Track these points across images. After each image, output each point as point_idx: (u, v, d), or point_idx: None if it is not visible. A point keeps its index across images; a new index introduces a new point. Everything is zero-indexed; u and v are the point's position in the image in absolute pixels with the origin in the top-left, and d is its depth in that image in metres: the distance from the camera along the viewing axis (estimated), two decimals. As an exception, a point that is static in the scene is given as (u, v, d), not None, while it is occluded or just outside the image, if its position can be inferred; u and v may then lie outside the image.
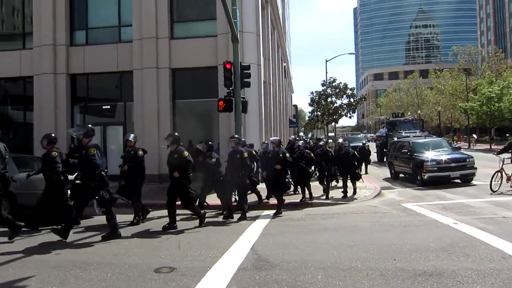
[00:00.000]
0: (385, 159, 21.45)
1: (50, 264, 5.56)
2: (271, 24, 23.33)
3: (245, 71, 12.71)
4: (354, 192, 12.30)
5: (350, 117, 28.81)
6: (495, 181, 11.99)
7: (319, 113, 28.38)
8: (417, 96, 67.19)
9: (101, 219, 8.70)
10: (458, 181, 14.42)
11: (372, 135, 61.41)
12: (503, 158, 12.34)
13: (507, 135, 42.41)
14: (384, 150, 17.40)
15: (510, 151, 12.38)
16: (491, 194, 11.53)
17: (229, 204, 9.31)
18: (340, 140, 17.00)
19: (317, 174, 13.13)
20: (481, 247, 5.98)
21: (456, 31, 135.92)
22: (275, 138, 11.90)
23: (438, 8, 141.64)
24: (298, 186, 12.14)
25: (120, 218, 8.76)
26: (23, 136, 17.66)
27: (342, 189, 12.22)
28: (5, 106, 18.18)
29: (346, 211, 9.91)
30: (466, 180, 14.40)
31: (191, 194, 8.01)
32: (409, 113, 49.59)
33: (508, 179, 11.98)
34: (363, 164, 17.17)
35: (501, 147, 14.21)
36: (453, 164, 14.25)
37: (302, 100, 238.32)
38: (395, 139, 23.02)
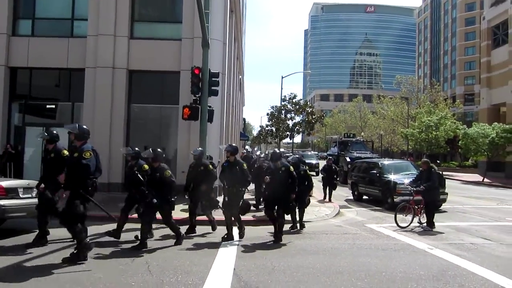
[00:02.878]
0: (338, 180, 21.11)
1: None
2: (234, 35, 22.91)
3: (213, 79, 12.01)
4: (301, 225, 9.72)
5: (308, 134, 28.81)
6: (404, 215, 10.13)
7: (273, 128, 28.23)
8: (360, 119, 70.31)
9: (61, 233, 7.55)
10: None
11: (321, 153, 62.92)
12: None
13: (438, 161, 45.36)
14: (333, 167, 16.65)
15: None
16: (396, 231, 9.61)
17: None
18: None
19: None
20: (471, 277, 5.80)
21: (396, 62, 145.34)
22: (275, 150, 11.09)
23: (381, 39, 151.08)
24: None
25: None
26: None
27: (291, 219, 9.56)
28: None
29: (315, 230, 9.57)
30: (437, 206, 12.88)
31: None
32: (362, 133, 51.40)
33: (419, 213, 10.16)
34: (327, 188, 15.44)
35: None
36: None
37: (247, 113, 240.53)
38: (347, 158, 23.47)
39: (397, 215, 10.13)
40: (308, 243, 8.05)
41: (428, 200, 10.02)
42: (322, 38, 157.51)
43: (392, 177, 14.33)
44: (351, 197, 16.86)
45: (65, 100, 15.38)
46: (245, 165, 8.33)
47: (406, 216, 10.09)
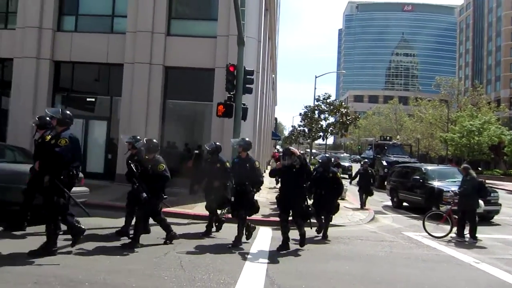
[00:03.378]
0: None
1: (33, 279, 4.53)
2: (268, 33, 22.79)
3: (248, 77, 11.95)
4: (323, 231, 8.67)
5: (341, 135, 28.27)
6: (436, 223, 9.80)
7: (305, 129, 27.84)
8: (396, 122, 68.39)
9: (97, 222, 7.71)
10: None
11: (354, 156, 61.60)
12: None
13: (479, 168, 43.47)
14: (369, 171, 15.68)
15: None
16: (437, 241, 9.11)
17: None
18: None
19: None
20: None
21: (435, 63, 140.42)
22: (323, 156, 10.08)
23: (419, 39, 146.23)
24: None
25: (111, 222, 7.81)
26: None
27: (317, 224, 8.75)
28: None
29: (349, 235, 9.25)
30: (488, 218, 12.32)
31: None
32: (398, 137, 49.92)
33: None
34: (363, 194, 14.22)
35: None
36: None
37: (279, 113, 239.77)
38: (384, 162, 22.65)
39: (426, 223, 9.70)
40: (343, 248, 7.80)
41: (462, 209, 9.38)
42: (356, 37, 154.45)
43: (438, 184, 13.41)
44: (389, 203, 16.10)
45: (104, 94, 15.78)
46: (257, 163, 7.60)
47: (438, 225, 9.65)
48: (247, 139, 7.90)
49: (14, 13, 15.74)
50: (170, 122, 15.32)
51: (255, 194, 7.59)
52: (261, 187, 8.12)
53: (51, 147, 5.58)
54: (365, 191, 14.35)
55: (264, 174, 9.83)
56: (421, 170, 15.03)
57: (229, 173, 7.93)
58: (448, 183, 13.31)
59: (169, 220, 8.53)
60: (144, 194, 6.46)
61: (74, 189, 8.32)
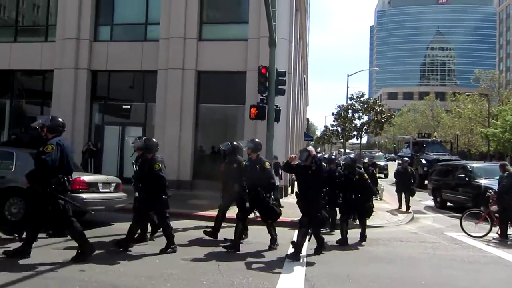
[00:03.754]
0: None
1: (74, 284, 4.68)
2: (299, 33, 22.64)
3: (280, 78, 11.88)
4: (362, 238, 8.12)
5: (376, 134, 27.70)
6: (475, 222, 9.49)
7: (338, 128, 27.40)
8: (433, 118, 66.13)
9: (123, 227, 7.85)
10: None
11: (388, 154, 59.97)
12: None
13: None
14: (409, 170, 14.84)
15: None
16: (483, 241, 8.72)
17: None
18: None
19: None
20: None
21: (473, 56, 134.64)
22: (347, 157, 10.08)
23: (456, 32, 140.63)
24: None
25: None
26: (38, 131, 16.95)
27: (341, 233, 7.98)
28: (21, 99, 17.57)
29: (388, 236, 8.99)
30: None
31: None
32: (435, 134, 48.08)
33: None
34: (402, 195, 13.45)
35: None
36: None
37: (310, 114, 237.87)
38: (423, 160, 21.78)
39: (464, 222, 9.38)
40: (382, 250, 7.58)
41: (502, 207, 8.97)
42: (389, 33, 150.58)
43: (485, 181, 12.71)
44: (430, 203, 15.52)
45: (139, 101, 16.20)
46: (267, 163, 7.20)
47: (477, 224, 9.31)
48: (256, 140, 7.57)
49: (53, 26, 16.47)
50: (203, 126, 15.51)
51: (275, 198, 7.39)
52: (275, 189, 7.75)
53: (38, 155, 5.48)
54: (405, 191, 13.49)
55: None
56: (466, 167, 14.32)
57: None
58: (496, 180, 12.66)
59: (201, 223, 8.63)
60: (136, 194, 6.49)
61: (113, 195, 8.55)
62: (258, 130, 13.78)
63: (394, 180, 14.54)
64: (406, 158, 15.66)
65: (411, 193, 13.48)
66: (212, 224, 7.86)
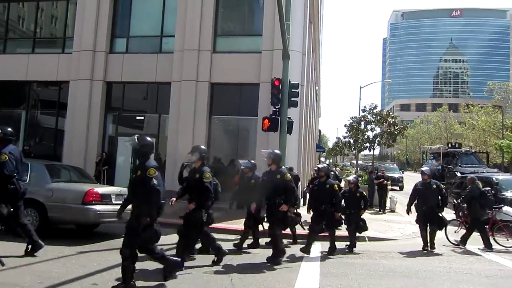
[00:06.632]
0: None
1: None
2: (312, 46, 22.74)
3: (293, 90, 11.95)
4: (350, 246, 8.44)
5: (389, 146, 27.43)
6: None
7: (351, 140, 27.24)
8: (446, 130, 65.49)
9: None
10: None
11: (425, 167, 58.79)
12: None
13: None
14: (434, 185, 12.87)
15: None
16: (499, 254, 8.76)
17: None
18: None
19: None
20: None
21: (486, 68, 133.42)
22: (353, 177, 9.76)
23: (469, 44, 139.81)
24: None
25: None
26: (53, 142, 17.26)
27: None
28: (36, 110, 17.87)
29: (402, 249, 8.88)
30: None
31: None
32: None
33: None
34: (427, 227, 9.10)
35: None
36: None
37: (322, 125, 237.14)
38: (458, 174, 19.30)
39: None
40: (397, 263, 7.47)
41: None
42: (402, 45, 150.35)
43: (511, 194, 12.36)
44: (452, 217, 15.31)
45: (153, 112, 16.37)
46: (288, 175, 7.28)
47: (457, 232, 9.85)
48: (277, 151, 7.66)
49: (71, 38, 16.83)
50: (216, 137, 15.58)
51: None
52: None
53: None
54: (431, 220, 8.95)
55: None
56: (492, 180, 13.80)
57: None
58: None
59: (215, 235, 8.60)
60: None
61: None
62: (270, 141, 13.76)
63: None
64: (425, 168, 10.20)
65: (441, 224, 9.09)
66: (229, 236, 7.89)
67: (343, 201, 8.47)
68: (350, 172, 33.46)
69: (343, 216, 8.42)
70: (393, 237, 10.65)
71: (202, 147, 6.90)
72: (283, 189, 6.99)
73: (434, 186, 9.09)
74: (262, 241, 8.20)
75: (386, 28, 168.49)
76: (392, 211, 16.93)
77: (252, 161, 8.85)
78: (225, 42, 15.79)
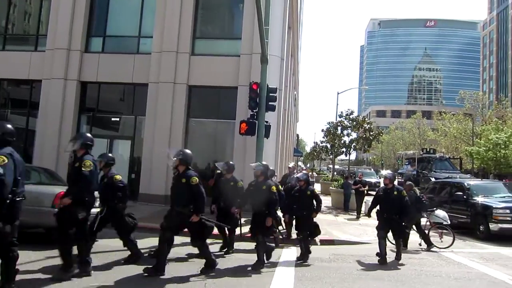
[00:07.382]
0: None
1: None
2: (290, 51, 22.94)
3: (271, 94, 12.01)
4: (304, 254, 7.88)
5: (364, 151, 27.81)
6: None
7: (328, 145, 27.55)
8: (419, 136, 67.24)
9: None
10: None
11: (387, 172, 60.13)
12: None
13: (504, 181, 41.87)
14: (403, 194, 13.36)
15: None
16: (467, 257, 8.99)
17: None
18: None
19: None
20: None
21: (458, 77, 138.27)
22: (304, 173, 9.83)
23: (442, 54, 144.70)
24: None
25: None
26: (23, 143, 16.67)
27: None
28: (6, 109, 17.19)
29: (373, 253, 8.92)
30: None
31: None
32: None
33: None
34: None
35: None
36: None
37: (300, 130, 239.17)
38: (433, 179, 19.82)
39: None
40: (371, 267, 7.58)
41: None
42: (378, 53, 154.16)
43: (485, 200, 12.46)
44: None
45: (129, 114, 16.04)
46: (274, 187, 7.30)
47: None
48: (264, 162, 8.03)
49: (44, 35, 16.35)
50: (193, 140, 15.42)
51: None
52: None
53: None
54: (396, 229, 8.40)
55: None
56: (463, 185, 13.95)
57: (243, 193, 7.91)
58: (498, 199, 12.49)
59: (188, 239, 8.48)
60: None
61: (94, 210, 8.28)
62: (248, 145, 13.79)
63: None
64: (387, 172, 9.73)
65: (400, 234, 8.58)
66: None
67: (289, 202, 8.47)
68: (327, 176, 33.70)
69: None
70: (368, 241, 10.78)
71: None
72: (267, 199, 7.08)
73: (395, 192, 8.29)
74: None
75: (364, 35, 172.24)
76: (367, 215, 17.07)
77: (231, 162, 8.76)
78: (204, 44, 15.68)
